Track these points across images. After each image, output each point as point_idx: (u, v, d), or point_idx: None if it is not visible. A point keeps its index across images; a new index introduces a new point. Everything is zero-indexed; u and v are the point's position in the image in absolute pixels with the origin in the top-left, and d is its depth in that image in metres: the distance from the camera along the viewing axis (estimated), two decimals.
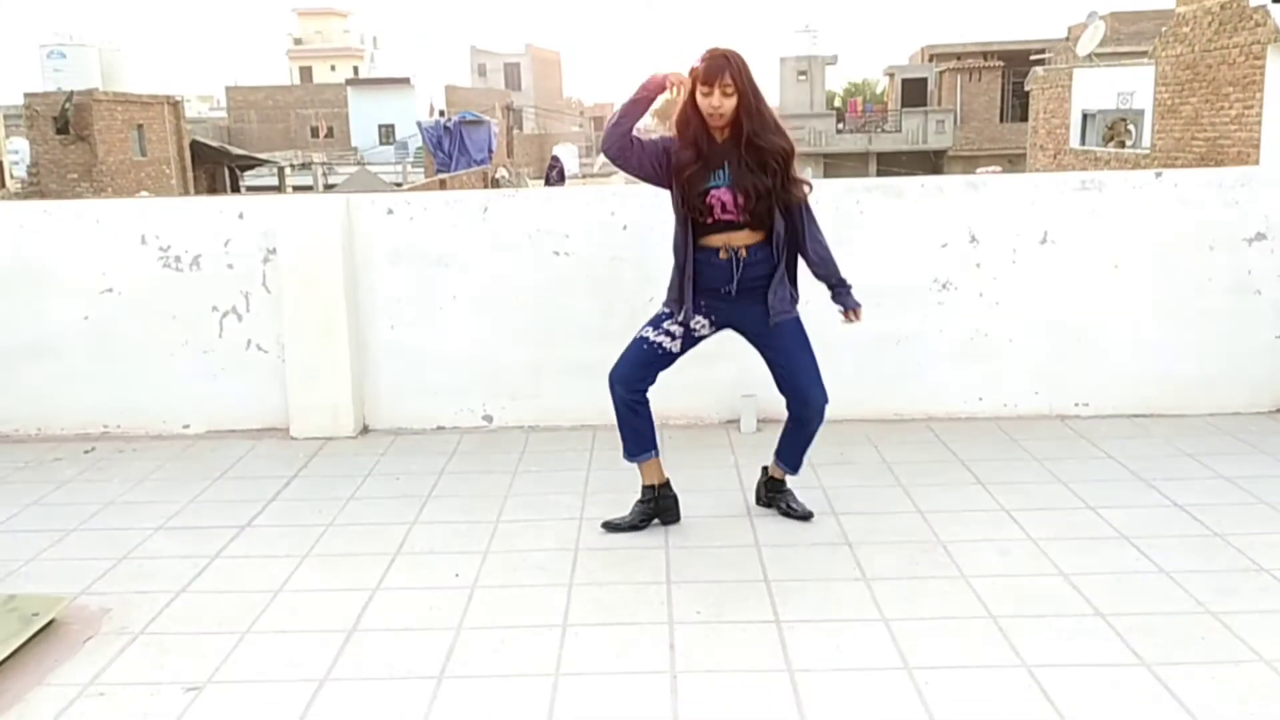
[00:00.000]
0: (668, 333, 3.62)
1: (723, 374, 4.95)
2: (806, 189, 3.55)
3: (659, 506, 3.83)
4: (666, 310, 3.66)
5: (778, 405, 3.82)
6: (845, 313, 3.73)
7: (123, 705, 2.73)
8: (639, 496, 3.84)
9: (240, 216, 5.08)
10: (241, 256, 5.08)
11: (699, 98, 3.43)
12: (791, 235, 3.58)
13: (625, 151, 3.52)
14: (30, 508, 4.25)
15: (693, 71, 3.44)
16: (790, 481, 3.97)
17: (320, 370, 5.04)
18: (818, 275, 3.68)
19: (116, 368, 5.15)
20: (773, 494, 3.96)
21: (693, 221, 3.53)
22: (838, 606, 3.18)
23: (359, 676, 2.84)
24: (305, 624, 3.16)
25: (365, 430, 5.20)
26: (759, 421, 5.01)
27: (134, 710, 2.70)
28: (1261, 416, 5.05)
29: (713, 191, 3.47)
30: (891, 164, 41.70)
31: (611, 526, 3.80)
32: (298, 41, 71.33)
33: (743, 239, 3.52)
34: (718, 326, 3.68)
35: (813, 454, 3.91)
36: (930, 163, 41.95)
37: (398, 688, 2.78)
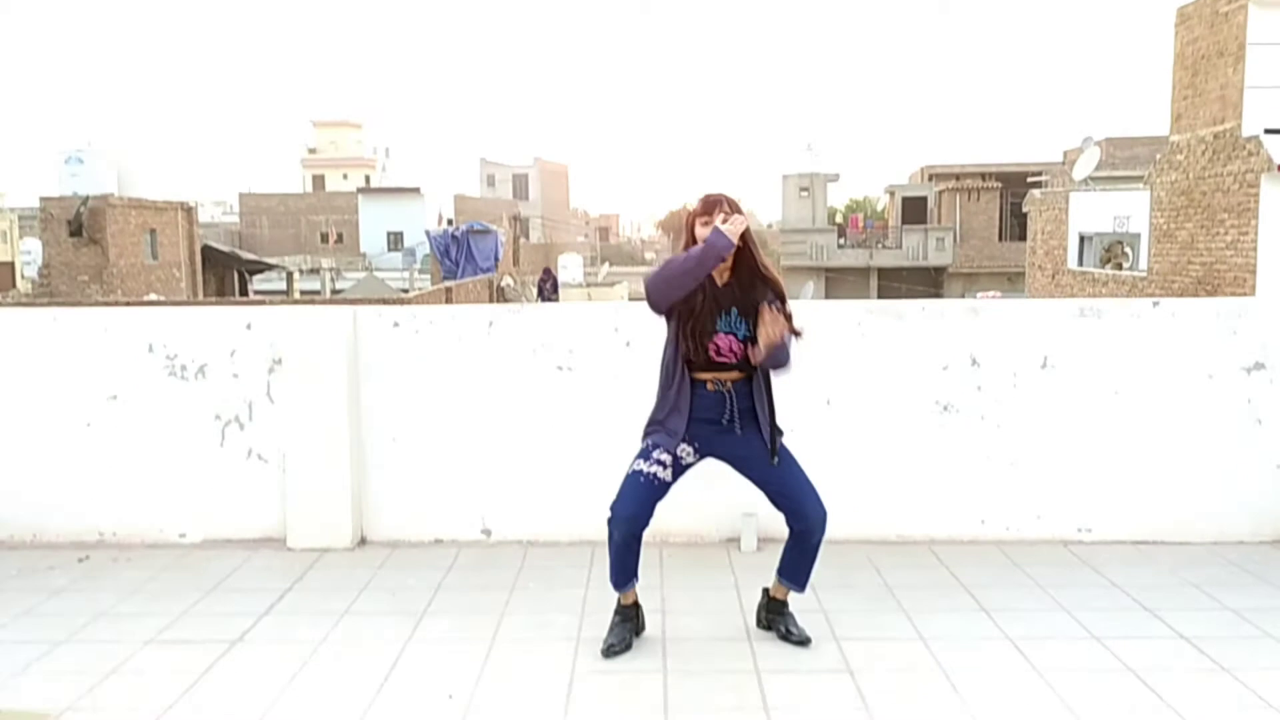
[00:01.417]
0: (659, 462, 3.67)
1: (722, 492, 4.90)
2: (796, 334, 3.62)
3: (639, 623, 3.91)
4: (653, 441, 3.70)
5: (777, 524, 3.82)
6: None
7: None
8: (618, 615, 3.87)
9: (248, 327, 5.14)
10: (247, 366, 5.12)
11: (698, 229, 3.57)
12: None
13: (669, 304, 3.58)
14: (21, 618, 4.19)
15: (690, 215, 3.62)
16: (791, 602, 3.93)
17: (320, 481, 5.03)
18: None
19: (115, 475, 5.14)
20: (773, 616, 3.93)
21: (683, 358, 3.64)
22: None
23: None
24: None
25: (363, 541, 5.16)
26: (759, 540, 4.97)
27: None
28: (1265, 546, 5.01)
29: (718, 335, 3.60)
30: (892, 279, 42.18)
31: (611, 652, 3.77)
32: (312, 151, 73.20)
33: (731, 376, 3.68)
34: (701, 455, 3.76)
35: (813, 576, 3.87)
36: (931, 279, 42.44)
37: None
